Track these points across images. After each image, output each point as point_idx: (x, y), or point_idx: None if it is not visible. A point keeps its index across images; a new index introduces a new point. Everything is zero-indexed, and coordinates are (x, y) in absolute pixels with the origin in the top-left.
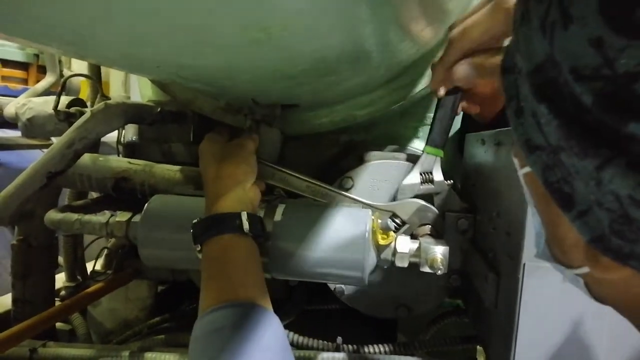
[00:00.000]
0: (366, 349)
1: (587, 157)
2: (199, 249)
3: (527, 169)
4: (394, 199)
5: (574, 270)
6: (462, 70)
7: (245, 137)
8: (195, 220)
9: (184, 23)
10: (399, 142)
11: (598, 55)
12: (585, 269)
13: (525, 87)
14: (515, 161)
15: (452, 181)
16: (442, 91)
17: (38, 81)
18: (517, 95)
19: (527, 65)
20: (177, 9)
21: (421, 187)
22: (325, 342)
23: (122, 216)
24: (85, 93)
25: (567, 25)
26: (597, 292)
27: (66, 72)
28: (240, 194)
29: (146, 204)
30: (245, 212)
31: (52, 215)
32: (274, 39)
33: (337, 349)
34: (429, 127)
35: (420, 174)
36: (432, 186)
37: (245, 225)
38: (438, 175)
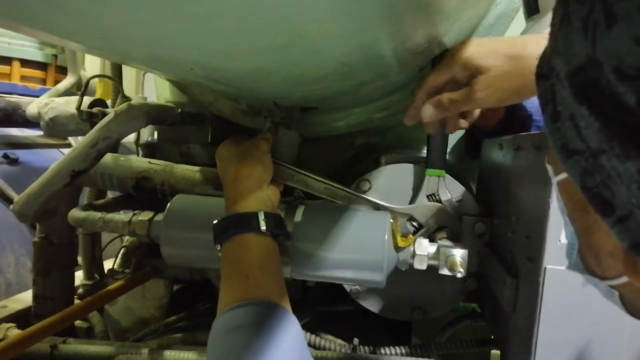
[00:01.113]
0: (382, 351)
1: (630, 159)
2: (219, 248)
3: (562, 176)
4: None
5: (610, 282)
6: (426, 110)
7: (259, 138)
8: (215, 221)
9: (221, 28)
10: (414, 145)
11: None
12: (622, 279)
13: (564, 91)
14: (550, 168)
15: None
16: (430, 129)
17: (56, 81)
18: (554, 100)
19: (566, 67)
20: (214, 13)
21: None
22: (342, 343)
23: (144, 215)
24: (99, 93)
25: (611, 24)
26: (633, 304)
27: (82, 73)
28: (258, 194)
29: (169, 203)
30: (263, 212)
31: (76, 213)
32: (306, 42)
33: (353, 350)
34: (427, 149)
35: (427, 197)
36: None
37: (263, 224)
38: (444, 195)
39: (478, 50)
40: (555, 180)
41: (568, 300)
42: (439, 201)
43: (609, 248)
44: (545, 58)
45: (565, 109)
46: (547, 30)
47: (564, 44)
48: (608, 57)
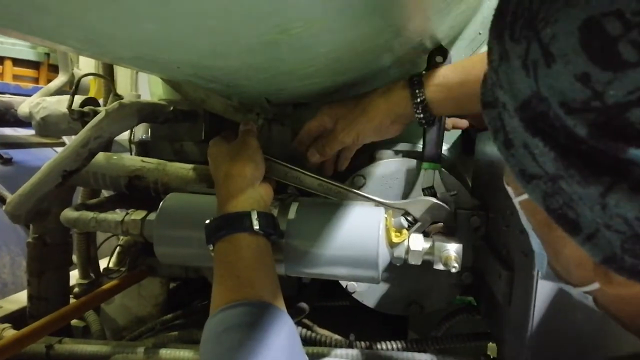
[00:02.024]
0: (379, 346)
1: (590, 184)
2: (211, 248)
3: (523, 197)
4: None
5: (582, 289)
6: (311, 155)
7: (245, 134)
8: (207, 221)
9: (205, 26)
10: (410, 139)
11: (586, 89)
12: (594, 286)
13: (514, 121)
14: (509, 189)
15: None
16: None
17: (49, 80)
18: (503, 128)
19: (512, 102)
20: (198, 12)
21: None
22: (338, 338)
23: (137, 214)
24: (93, 92)
25: (550, 63)
26: (604, 305)
27: (75, 71)
28: (251, 193)
29: (161, 202)
30: (256, 211)
31: (68, 213)
32: (292, 39)
33: (350, 346)
34: (423, 143)
35: (423, 190)
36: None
37: (255, 224)
38: (440, 188)
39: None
40: (516, 200)
41: (562, 293)
42: (434, 195)
43: (577, 260)
44: (488, 87)
45: (517, 137)
46: None
47: (507, 80)
48: (552, 93)
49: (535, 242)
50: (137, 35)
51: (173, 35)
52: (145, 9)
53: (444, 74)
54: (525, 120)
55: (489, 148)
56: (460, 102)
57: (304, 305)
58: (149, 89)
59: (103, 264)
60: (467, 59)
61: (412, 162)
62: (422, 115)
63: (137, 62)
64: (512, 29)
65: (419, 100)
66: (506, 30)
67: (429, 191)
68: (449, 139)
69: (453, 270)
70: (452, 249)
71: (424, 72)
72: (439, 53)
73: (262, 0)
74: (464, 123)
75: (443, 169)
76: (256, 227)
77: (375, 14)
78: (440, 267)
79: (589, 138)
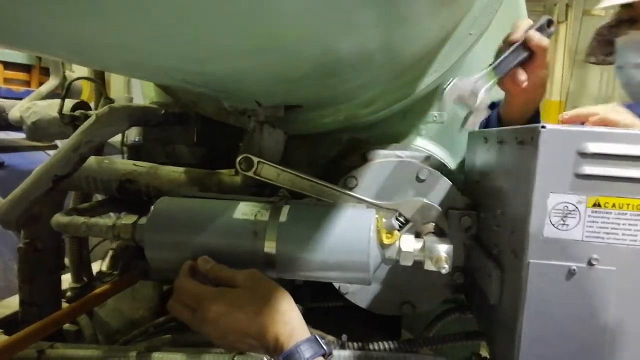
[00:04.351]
0: (371, 346)
1: None
2: None
3: None
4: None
5: None
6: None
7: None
8: None
9: (190, 33)
10: (402, 140)
11: None
12: None
13: None
14: None
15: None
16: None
17: (40, 83)
18: None
19: None
20: (181, 21)
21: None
22: (330, 339)
23: (128, 219)
24: (87, 94)
25: None
26: None
27: (68, 74)
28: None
29: (152, 207)
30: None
31: (59, 218)
32: (279, 45)
33: (342, 347)
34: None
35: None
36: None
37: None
38: (482, 95)
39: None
40: None
41: (551, 293)
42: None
43: None
44: None
45: None
46: None
47: None
48: None
49: None
50: (122, 44)
51: (158, 44)
52: (128, 19)
53: None
54: None
55: (480, 148)
56: None
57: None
58: (142, 91)
59: (96, 267)
60: None
61: (404, 163)
62: None
63: (125, 69)
64: None
65: None
66: None
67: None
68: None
69: (443, 271)
70: (443, 249)
71: None
72: (552, 23)
73: (247, 7)
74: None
75: (435, 170)
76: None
77: (362, 21)
78: (431, 267)
79: None
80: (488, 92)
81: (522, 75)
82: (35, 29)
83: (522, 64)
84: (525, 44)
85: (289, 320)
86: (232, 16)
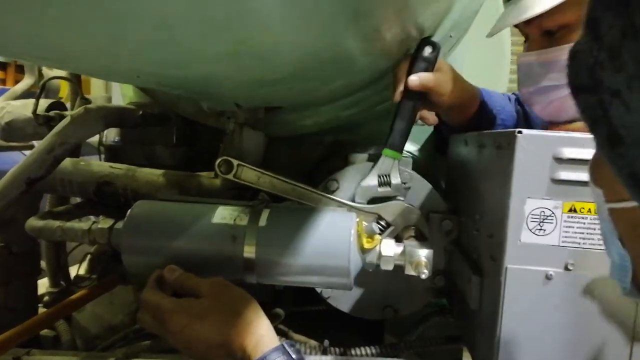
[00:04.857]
0: (352, 352)
1: None
2: None
3: (626, 204)
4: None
5: None
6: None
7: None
8: None
9: (161, 39)
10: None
11: None
12: None
13: (635, 114)
14: (597, 191)
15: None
16: (398, 96)
17: (17, 81)
18: (608, 120)
19: None
20: (153, 25)
21: (379, 189)
22: (313, 343)
23: (104, 223)
24: (65, 92)
25: None
26: None
27: (45, 72)
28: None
29: (129, 211)
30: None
31: (33, 222)
32: (253, 50)
33: (324, 352)
34: (390, 130)
35: (378, 177)
36: (389, 189)
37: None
38: (395, 179)
39: None
40: (608, 206)
41: (529, 298)
42: (388, 184)
43: None
44: (583, 68)
45: (632, 133)
46: (526, 15)
47: (633, 62)
48: None
49: (617, 253)
50: (93, 49)
51: (129, 48)
52: (103, 27)
53: None
54: None
55: (461, 151)
56: None
57: (279, 310)
58: (120, 91)
59: (74, 271)
60: None
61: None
62: None
63: (98, 72)
64: None
65: None
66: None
67: (384, 179)
68: (419, 137)
69: (423, 276)
70: (423, 254)
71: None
72: (428, 44)
73: (218, 13)
74: (434, 119)
75: (414, 172)
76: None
77: (335, 26)
78: (411, 272)
79: None
80: (397, 171)
81: (430, 115)
82: (6, 36)
83: (425, 104)
84: (411, 93)
85: (255, 330)
86: (207, 22)
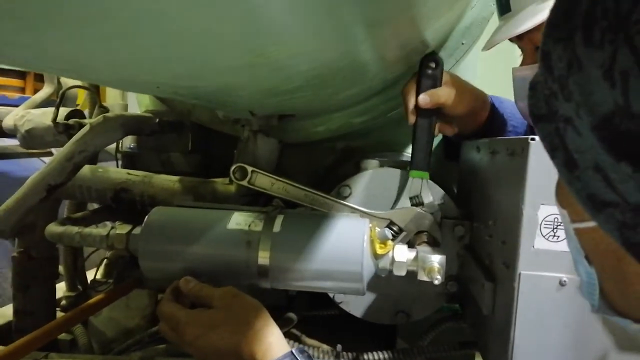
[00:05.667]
0: (365, 356)
1: None
2: None
3: (586, 224)
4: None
5: None
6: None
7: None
8: None
9: (179, 53)
10: (396, 148)
11: None
12: None
13: (585, 140)
14: (563, 212)
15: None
16: (412, 118)
17: (36, 89)
18: (564, 146)
19: (587, 118)
20: (171, 41)
21: None
22: (325, 348)
23: (122, 228)
24: (82, 100)
25: None
26: None
27: (63, 81)
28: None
29: (146, 217)
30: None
31: (53, 228)
32: (269, 61)
33: (337, 357)
34: (413, 151)
35: (410, 199)
36: (424, 208)
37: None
38: (427, 197)
39: None
40: (573, 226)
41: (543, 304)
42: (421, 204)
43: None
44: (540, 99)
45: (586, 158)
46: (517, 30)
47: (579, 91)
48: None
49: (584, 271)
50: (113, 63)
51: (149, 62)
52: (120, 41)
53: None
54: (605, 140)
55: (473, 157)
56: None
57: (292, 315)
58: (137, 98)
59: (91, 275)
60: None
61: (398, 172)
62: None
63: (117, 84)
64: (587, 32)
65: None
66: (577, 33)
67: (416, 200)
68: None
69: (436, 282)
70: (436, 260)
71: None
72: (431, 60)
73: (235, 27)
74: (452, 129)
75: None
76: None
77: (351, 36)
78: (424, 278)
79: None
80: (428, 190)
81: (447, 127)
82: (30, 50)
83: (439, 117)
84: (424, 111)
85: (264, 338)
86: (223, 36)
